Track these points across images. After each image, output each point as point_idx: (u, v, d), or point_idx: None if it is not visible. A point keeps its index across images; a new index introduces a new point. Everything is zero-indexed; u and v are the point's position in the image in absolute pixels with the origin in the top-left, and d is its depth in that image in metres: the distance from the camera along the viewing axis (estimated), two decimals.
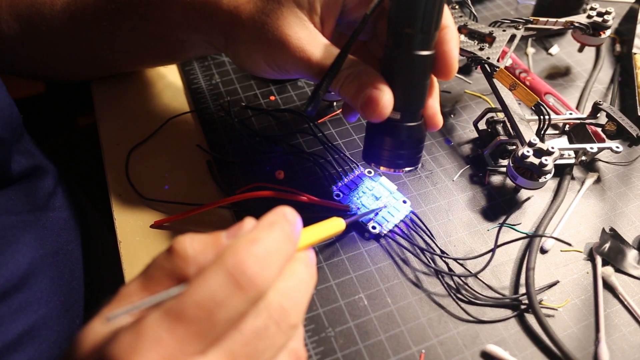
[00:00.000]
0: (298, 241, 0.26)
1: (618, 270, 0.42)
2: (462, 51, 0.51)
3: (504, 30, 0.52)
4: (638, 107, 0.52)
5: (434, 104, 0.39)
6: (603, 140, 0.49)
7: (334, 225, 0.34)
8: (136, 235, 0.44)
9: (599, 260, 0.42)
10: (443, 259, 0.42)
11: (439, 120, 0.39)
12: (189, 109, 0.54)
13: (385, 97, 0.34)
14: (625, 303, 0.40)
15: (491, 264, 0.42)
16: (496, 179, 0.48)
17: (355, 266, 0.42)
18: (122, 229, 0.44)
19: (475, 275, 0.41)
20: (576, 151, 0.47)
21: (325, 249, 0.43)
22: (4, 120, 0.41)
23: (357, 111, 0.36)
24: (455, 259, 0.42)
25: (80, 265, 0.48)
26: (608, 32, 0.55)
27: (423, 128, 0.38)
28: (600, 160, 0.50)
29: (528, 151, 0.43)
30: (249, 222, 0.26)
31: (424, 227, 0.44)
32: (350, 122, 0.52)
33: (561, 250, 0.43)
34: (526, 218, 0.45)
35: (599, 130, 0.49)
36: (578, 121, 0.50)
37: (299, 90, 0.56)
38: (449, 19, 0.36)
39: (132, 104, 0.54)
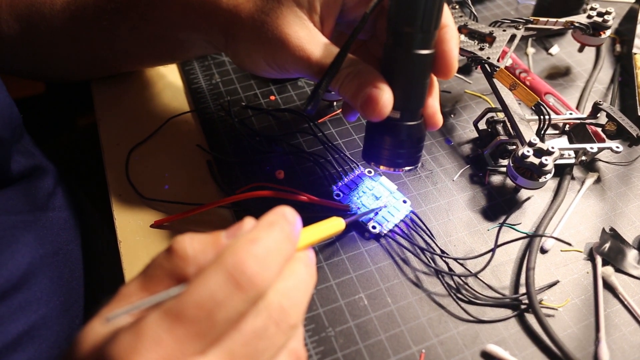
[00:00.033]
0: (298, 241, 0.26)
1: (618, 270, 0.42)
2: (462, 51, 0.51)
3: (504, 30, 0.52)
4: (638, 107, 0.52)
5: (433, 103, 0.39)
6: (603, 140, 0.49)
7: (334, 225, 0.34)
8: (136, 235, 0.44)
9: (599, 260, 0.42)
10: (443, 258, 0.42)
11: (439, 119, 0.39)
12: (189, 108, 0.54)
13: (385, 96, 0.34)
14: (626, 303, 0.40)
15: (491, 264, 0.42)
16: (496, 179, 0.48)
17: (356, 266, 0.42)
18: (122, 228, 0.44)
19: (475, 275, 0.41)
20: (576, 151, 0.47)
21: (325, 249, 0.43)
22: (3, 120, 0.41)
23: (357, 110, 0.36)
24: (455, 259, 0.42)
25: (80, 265, 0.48)
26: (608, 32, 0.55)
27: (423, 127, 0.38)
28: (601, 160, 0.50)
29: (528, 151, 0.43)
30: (248, 221, 0.26)
31: (424, 227, 0.44)
32: (350, 122, 0.52)
33: (561, 250, 0.43)
34: (526, 218, 0.45)
35: (599, 130, 0.49)
36: (578, 121, 0.50)
37: (299, 90, 0.56)
38: (448, 18, 0.36)
39: (132, 104, 0.54)
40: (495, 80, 0.49)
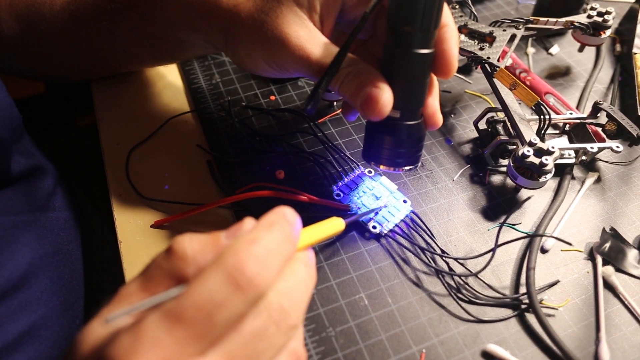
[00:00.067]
0: (297, 241, 0.26)
1: (618, 269, 0.42)
2: (463, 51, 0.51)
3: (504, 30, 0.52)
4: (638, 107, 0.52)
5: (433, 102, 0.39)
6: (603, 140, 0.49)
7: (334, 225, 0.34)
8: (136, 235, 0.44)
9: (599, 259, 0.42)
10: (443, 258, 0.42)
11: (439, 118, 0.39)
12: (189, 108, 0.54)
13: (385, 96, 0.34)
14: (626, 302, 0.40)
15: (492, 264, 0.42)
16: (496, 179, 0.48)
17: (356, 266, 0.42)
18: (123, 228, 0.44)
19: (475, 274, 0.41)
20: (576, 151, 0.47)
21: (325, 249, 0.42)
22: (3, 120, 0.41)
23: (357, 110, 0.36)
24: (455, 259, 0.42)
25: (80, 265, 0.48)
26: (608, 32, 0.55)
27: (423, 127, 0.38)
28: (601, 159, 0.50)
29: (528, 151, 0.43)
30: (248, 222, 0.26)
31: (424, 227, 0.44)
32: (350, 121, 0.52)
33: (561, 250, 0.43)
34: (526, 218, 0.45)
35: (599, 130, 0.49)
36: (578, 121, 0.50)
37: (299, 90, 0.56)
38: (448, 17, 0.36)
39: (132, 104, 0.54)
40: (495, 80, 0.49)
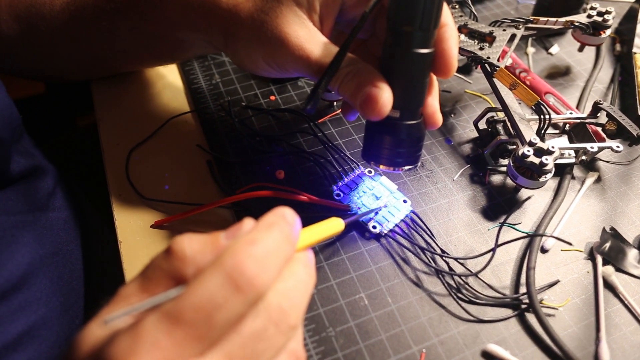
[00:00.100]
0: (297, 242, 0.26)
1: (618, 269, 0.42)
2: (463, 51, 0.51)
3: (504, 30, 0.52)
4: (638, 107, 0.52)
5: (433, 102, 0.39)
6: (603, 140, 0.49)
7: (333, 226, 0.34)
8: (136, 235, 0.44)
9: (599, 259, 0.42)
10: (443, 258, 0.42)
11: (439, 118, 0.39)
12: (189, 108, 0.54)
13: (385, 95, 0.34)
14: (626, 302, 0.40)
15: (492, 264, 0.42)
16: (496, 179, 0.48)
17: (356, 266, 0.42)
18: (123, 229, 0.44)
19: (475, 274, 0.41)
20: (576, 150, 0.47)
21: (325, 249, 0.42)
22: (3, 120, 0.41)
23: (357, 109, 0.36)
24: (455, 259, 0.42)
25: (80, 265, 0.48)
26: (608, 32, 0.55)
27: (422, 126, 0.38)
28: (601, 159, 0.50)
29: (528, 151, 0.43)
30: (247, 222, 0.26)
31: (424, 227, 0.44)
32: (349, 121, 0.52)
33: (562, 250, 0.43)
34: (526, 217, 0.45)
35: (599, 129, 0.49)
36: (578, 121, 0.50)
37: (299, 90, 0.56)
38: (448, 17, 0.36)
39: (132, 104, 0.54)
40: (495, 79, 0.49)
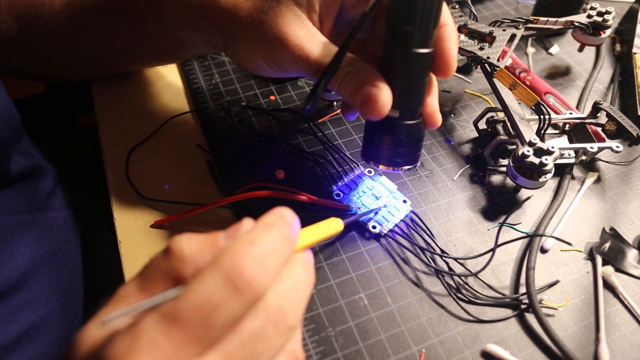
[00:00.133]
0: (296, 242, 0.26)
1: (618, 269, 0.42)
2: (462, 51, 0.51)
3: (504, 30, 0.52)
4: (638, 107, 0.52)
5: (432, 102, 0.39)
6: (603, 140, 0.49)
7: (332, 226, 0.34)
8: (136, 235, 0.44)
9: (599, 259, 0.42)
10: (443, 258, 0.42)
11: (438, 118, 0.39)
12: (189, 108, 0.54)
13: (384, 95, 0.34)
14: (626, 302, 0.40)
15: (491, 264, 0.42)
16: (496, 179, 0.48)
17: (356, 266, 0.42)
18: (122, 228, 0.44)
19: (475, 274, 0.41)
20: (576, 151, 0.47)
21: (325, 249, 0.42)
22: (3, 120, 0.41)
23: (356, 109, 0.36)
24: (455, 259, 0.42)
25: (80, 265, 0.48)
26: (608, 32, 0.55)
27: (422, 126, 0.38)
28: (601, 159, 0.50)
29: (528, 151, 0.43)
30: (247, 223, 0.26)
31: (424, 227, 0.44)
32: (349, 121, 0.52)
33: (561, 250, 0.43)
34: (526, 217, 0.45)
35: (599, 129, 0.49)
36: (578, 121, 0.50)
37: (299, 90, 0.56)
38: (447, 16, 0.36)
39: (132, 104, 0.54)
40: (495, 79, 0.49)
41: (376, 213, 0.44)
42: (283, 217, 0.25)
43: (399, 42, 0.34)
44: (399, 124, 0.37)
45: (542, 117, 0.46)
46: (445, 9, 0.35)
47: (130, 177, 0.47)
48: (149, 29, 0.44)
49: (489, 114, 0.50)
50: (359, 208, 0.44)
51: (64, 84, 0.91)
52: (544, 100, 0.55)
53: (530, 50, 0.62)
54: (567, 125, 0.51)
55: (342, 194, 0.46)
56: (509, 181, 0.48)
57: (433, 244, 0.43)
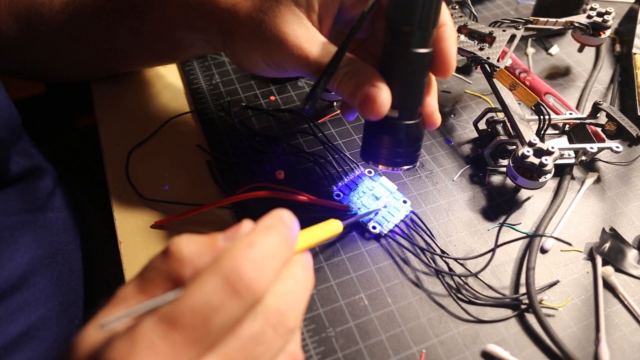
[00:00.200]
0: (295, 244, 0.26)
1: (618, 269, 0.42)
2: (462, 51, 0.51)
3: (504, 30, 0.52)
4: (638, 107, 0.52)
5: (432, 102, 0.39)
6: (603, 140, 0.49)
7: (331, 228, 0.33)
8: (136, 235, 0.44)
9: (599, 260, 0.42)
10: (443, 258, 0.42)
11: (437, 118, 0.39)
12: (189, 109, 0.54)
13: (383, 95, 0.34)
14: (626, 303, 0.40)
15: (491, 264, 0.42)
16: (496, 179, 0.48)
17: (356, 266, 0.42)
18: (123, 229, 0.44)
19: (475, 275, 0.41)
20: (576, 151, 0.47)
21: (325, 249, 0.42)
22: (2, 120, 0.41)
23: (355, 109, 0.36)
24: (455, 259, 0.42)
25: (79, 265, 0.48)
26: (608, 32, 0.55)
27: (421, 126, 0.38)
28: (600, 160, 0.50)
29: (528, 151, 0.43)
30: (246, 224, 0.26)
31: (424, 227, 0.44)
32: (349, 121, 0.52)
33: (561, 250, 0.43)
34: (526, 218, 0.45)
35: (599, 130, 0.49)
36: (578, 121, 0.50)
37: (299, 90, 0.56)
38: (446, 16, 0.36)
39: (132, 104, 0.54)
40: (495, 80, 0.49)
41: (376, 214, 0.44)
42: (282, 219, 0.25)
43: (398, 42, 0.34)
44: (398, 123, 0.37)
45: (542, 117, 0.46)
46: (444, 9, 0.35)
47: (130, 177, 0.47)
48: (148, 29, 0.44)
49: (489, 115, 0.50)
50: (359, 208, 0.44)
51: (64, 84, 0.91)
52: (544, 101, 0.55)
53: (530, 50, 0.62)
54: (567, 126, 0.51)
55: (342, 195, 0.46)
56: (509, 181, 0.48)
57: (433, 245, 0.43)
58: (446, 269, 0.41)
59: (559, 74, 0.59)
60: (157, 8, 0.42)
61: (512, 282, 0.41)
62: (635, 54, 0.57)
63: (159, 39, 0.45)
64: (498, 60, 0.49)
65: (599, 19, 0.55)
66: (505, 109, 0.48)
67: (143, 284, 0.23)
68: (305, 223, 0.29)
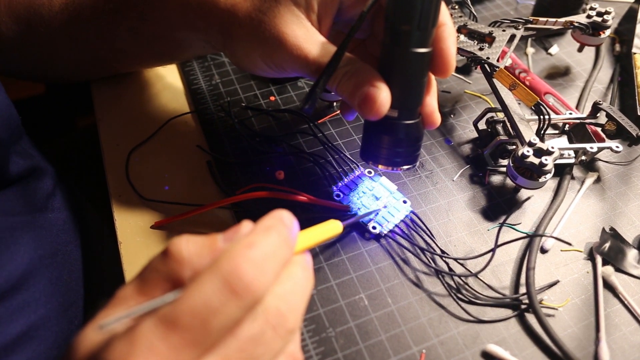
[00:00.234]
0: (295, 245, 0.26)
1: (618, 269, 0.42)
2: (462, 51, 0.51)
3: (504, 30, 0.52)
4: (638, 107, 0.52)
5: (431, 101, 0.38)
6: (603, 140, 0.49)
7: (331, 228, 0.33)
8: (136, 236, 0.44)
9: (599, 259, 0.42)
10: (443, 258, 0.42)
11: (437, 118, 0.39)
12: (189, 109, 0.54)
13: (383, 95, 0.34)
14: (626, 302, 0.40)
15: (491, 264, 0.42)
16: (496, 179, 0.48)
17: (356, 266, 0.42)
18: (123, 229, 0.44)
19: (475, 275, 0.41)
20: (576, 151, 0.47)
21: (325, 249, 0.42)
22: (2, 121, 0.41)
23: (355, 109, 0.36)
24: (455, 259, 0.42)
25: (79, 266, 0.48)
26: (608, 32, 0.55)
27: (421, 126, 0.38)
28: (600, 159, 0.50)
29: (528, 151, 0.43)
30: (245, 225, 0.26)
31: (424, 227, 0.44)
32: (348, 121, 0.52)
33: (561, 250, 0.43)
34: (526, 218, 0.45)
35: (598, 130, 0.49)
36: (578, 121, 0.50)
37: (299, 91, 0.56)
38: (446, 16, 0.36)
39: (132, 104, 0.54)
40: (495, 80, 0.49)
41: (376, 214, 0.44)
42: (282, 219, 0.25)
43: (398, 42, 0.34)
44: (397, 123, 0.37)
45: (541, 117, 0.46)
46: (444, 9, 0.35)
47: (130, 177, 0.47)
48: (148, 29, 0.44)
49: (489, 115, 0.50)
50: (359, 209, 0.44)
51: (64, 85, 0.91)
52: (544, 101, 0.55)
53: (530, 50, 0.62)
54: (567, 126, 0.51)
55: (342, 195, 0.46)
56: (508, 181, 0.48)
57: (433, 245, 0.43)
58: (446, 269, 0.41)
59: (558, 73, 0.59)
60: (157, 8, 0.42)
61: (512, 282, 0.41)
62: (635, 53, 0.57)
63: (158, 39, 0.45)
64: (498, 60, 0.49)
65: (599, 19, 0.55)
66: (505, 109, 0.48)
67: (142, 284, 0.23)
68: (305, 223, 0.29)
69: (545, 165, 0.42)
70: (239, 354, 0.22)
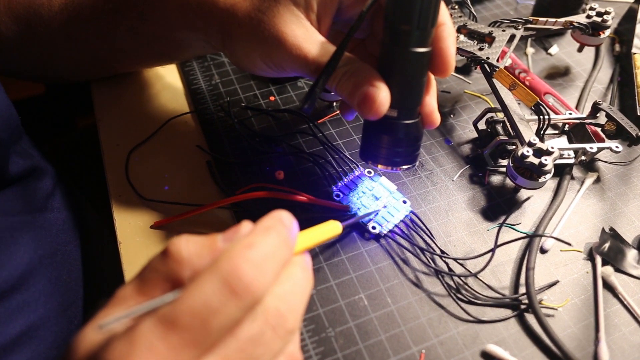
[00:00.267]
0: (294, 245, 0.26)
1: (618, 270, 0.42)
2: (462, 51, 0.51)
3: (504, 30, 0.52)
4: (637, 107, 0.52)
5: (431, 101, 0.38)
6: (603, 140, 0.49)
7: (331, 229, 0.33)
8: (136, 236, 0.44)
9: (598, 260, 0.42)
10: (443, 259, 0.42)
11: (437, 117, 0.39)
12: (189, 109, 0.54)
13: (382, 95, 0.34)
14: (625, 303, 0.40)
15: (491, 264, 0.42)
16: (496, 179, 0.48)
17: (356, 266, 0.42)
18: (122, 229, 0.44)
19: (475, 275, 0.41)
20: (576, 151, 0.47)
21: (325, 250, 0.42)
22: (2, 121, 0.41)
23: (354, 109, 0.36)
24: (455, 259, 0.42)
25: (79, 266, 0.48)
26: (607, 32, 0.55)
27: (420, 126, 0.38)
28: (600, 160, 0.50)
29: (528, 151, 0.43)
30: (245, 225, 0.26)
31: (423, 227, 0.44)
32: (348, 120, 0.52)
33: (561, 250, 0.43)
34: (526, 218, 0.45)
35: (598, 130, 0.49)
36: (578, 121, 0.50)
37: (299, 91, 0.56)
38: (445, 16, 0.36)
39: (132, 104, 0.54)
40: (494, 80, 0.49)
41: (376, 214, 0.44)
42: (281, 220, 0.25)
43: (397, 41, 0.34)
44: (397, 123, 0.37)
45: (541, 117, 0.46)
46: (443, 8, 0.35)
47: (130, 177, 0.47)
48: (147, 29, 0.44)
49: (489, 115, 0.50)
50: (358, 209, 0.44)
51: (63, 85, 0.91)
52: (544, 101, 0.55)
53: (530, 50, 0.62)
54: (567, 126, 0.51)
55: (341, 195, 0.46)
56: (508, 181, 0.48)
57: (433, 245, 0.43)
58: (446, 269, 0.41)
59: (558, 73, 0.59)
60: (157, 8, 0.42)
61: (511, 282, 0.41)
62: (634, 53, 0.58)
63: (158, 39, 0.45)
64: (497, 60, 0.49)
65: (599, 19, 0.55)
66: (504, 109, 0.48)
67: (142, 284, 0.23)
68: (304, 223, 0.29)
69: (545, 165, 0.42)
70: (238, 354, 0.22)
